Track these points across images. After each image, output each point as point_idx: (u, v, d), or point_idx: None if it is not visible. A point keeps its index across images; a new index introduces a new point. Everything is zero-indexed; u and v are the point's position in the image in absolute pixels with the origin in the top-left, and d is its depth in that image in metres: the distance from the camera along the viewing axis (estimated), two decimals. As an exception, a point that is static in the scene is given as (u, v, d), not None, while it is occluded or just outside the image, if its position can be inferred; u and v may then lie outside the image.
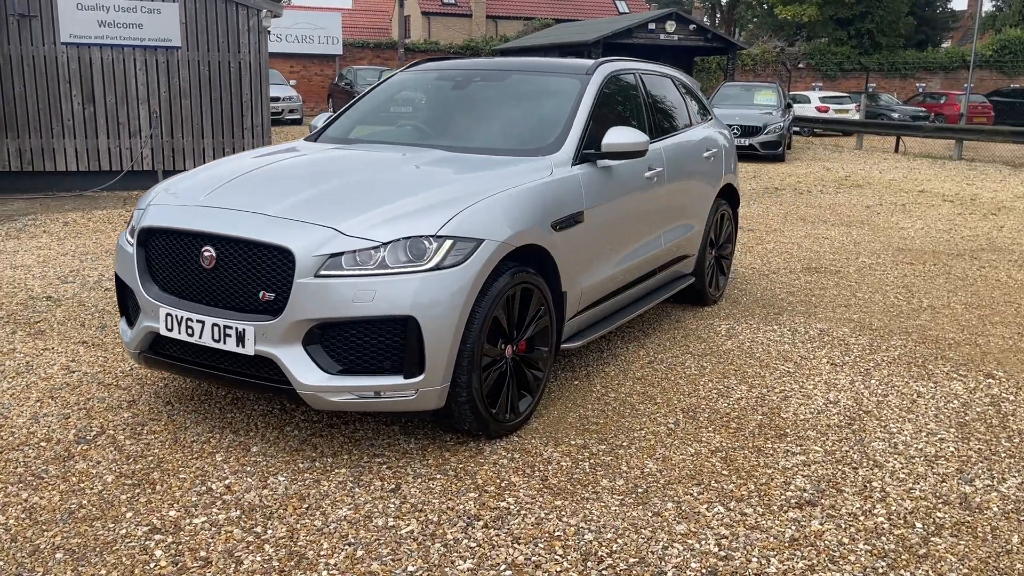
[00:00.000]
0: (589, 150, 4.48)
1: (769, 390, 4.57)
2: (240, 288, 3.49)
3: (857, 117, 24.06)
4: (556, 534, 3.05)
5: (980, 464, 3.73)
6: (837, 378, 4.78)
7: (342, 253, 3.37)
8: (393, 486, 3.38)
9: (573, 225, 4.21)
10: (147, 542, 2.93)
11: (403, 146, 4.59)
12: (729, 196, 6.45)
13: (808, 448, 3.85)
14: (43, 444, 3.70)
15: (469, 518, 3.14)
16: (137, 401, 4.20)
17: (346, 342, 3.41)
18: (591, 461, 3.65)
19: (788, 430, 4.04)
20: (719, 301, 6.41)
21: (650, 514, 3.22)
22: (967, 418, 4.25)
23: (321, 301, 3.34)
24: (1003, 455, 3.83)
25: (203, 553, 2.87)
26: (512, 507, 3.23)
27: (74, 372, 4.59)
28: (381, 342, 3.40)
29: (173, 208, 3.80)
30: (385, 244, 3.39)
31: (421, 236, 3.43)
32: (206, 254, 3.55)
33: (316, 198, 3.68)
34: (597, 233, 4.45)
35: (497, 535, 3.03)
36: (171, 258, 3.69)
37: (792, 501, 3.35)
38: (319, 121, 5.28)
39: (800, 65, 36.14)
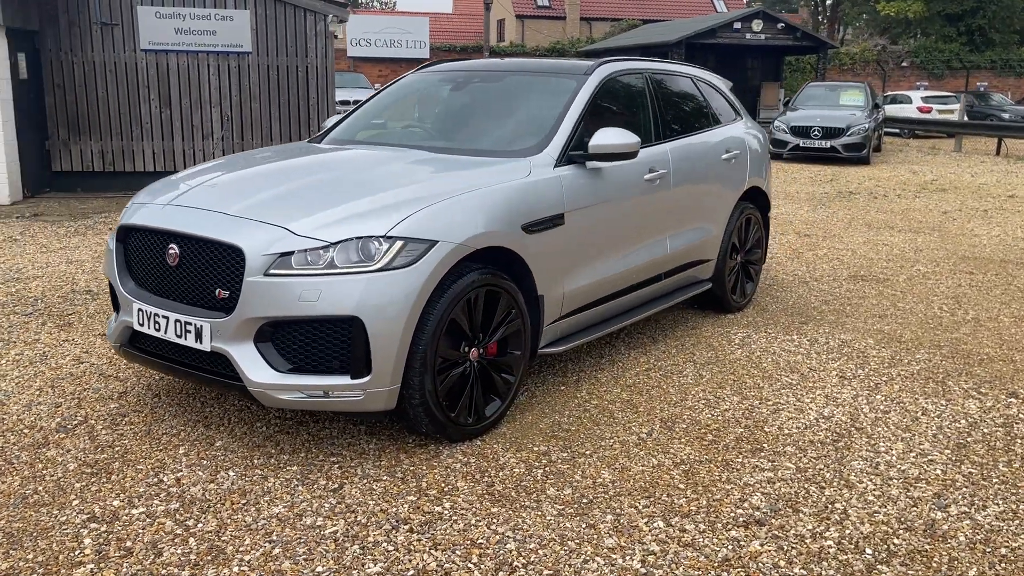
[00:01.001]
0: (578, 151, 4.39)
1: (762, 402, 4.38)
2: (200, 285, 3.57)
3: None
4: (479, 541, 3.00)
5: (964, 489, 3.47)
6: (840, 392, 4.54)
7: (292, 252, 3.40)
8: (336, 485, 3.39)
9: (551, 228, 4.13)
10: (81, 530, 3.04)
11: (393, 147, 4.61)
12: (757, 199, 6.22)
13: (780, 464, 3.67)
14: (26, 431, 3.87)
15: (397, 521, 3.12)
16: (128, 393, 4.36)
17: (296, 341, 3.45)
18: (546, 469, 3.58)
19: (766, 444, 3.86)
20: (745, 308, 6.18)
21: (584, 526, 3.13)
22: (969, 439, 3.97)
23: (269, 300, 3.38)
24: (994, 481, 3.55)
25: (128, 543, 2.95)
26: (446, 512, 3.20)
27: (83, 363, 4.80)
28: (329, 342, 3.42)
29: (149, 207, 3.93)
30: (334, 244, 3.41)
31: (371, 236, 3.43)
32: (171, 252, 3.65)
33: (277, 197, 3.74)
34: (582, 236, 4.36)
35: (418, 540, 3.00)
36: (143, 255, 3.82)
37: (740, 519, 3.19)
38: (329, 122, 5.36)
39: (903, 64, 34.59)
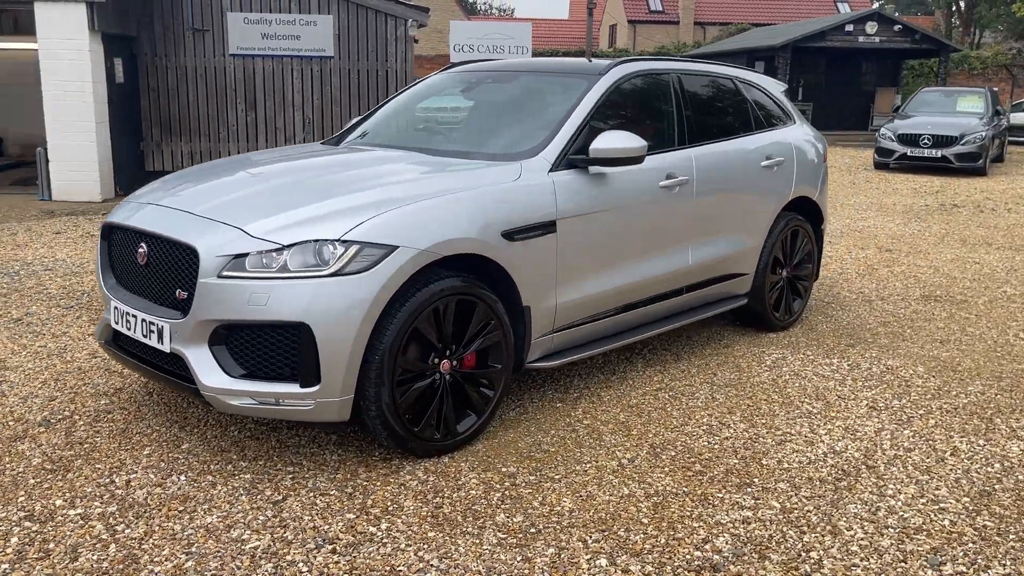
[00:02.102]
0: (580, 155, 4.15)
1: (770, 431, 4.01)
2: (164, 285, 3.54)
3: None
4: (398, 569, 2.81)
5: (970, 545, 3.04)
6: (864, 425, 4.11)
7: (246, 254, 3.31)
8: (281, 497, 3.28)
9: (539, 235, 3.91)
10: (14, 527, 3.02)
11: (392, 149, 4.49)
12: (806, 210, 5.78)
13: (764, 503, 3.32)
14: (11, 423, 3.94)
15: (324, 540, 2.97)
16: (123, 389, 4.39)
17: (249, 346, 3.35)
18: (505, 493, 3.36)
19: (756, 479, 3.51)
20: (790, 327, 5.75)
21: (519, 559, 2.89)
22: (997, 487, 3.50)
23: (221, 302, 3.30)
24: (1011, 537, 3.10)
25: (51, 546, 2.91)
26: (379, 534, 3.03)
27: (95, 358, 4.88)
28: (280, 348, 3.31)
29: (132, 204, 3.93)
30: (288, 247, 3.30)
31: (325, 240, 3.30)
32: (140, 251, 3.63)
33: (246, 198, 3.67)
34: (580, 245, 4.11)
35: (336, 563, 2.84)
36: (121, 253, 3.82)
37: (694, 564, 2.88)
38: (351, 123, 5.30)
39: (1040, 69, 32.20)
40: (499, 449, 3.76)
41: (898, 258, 8.29)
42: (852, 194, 13.19)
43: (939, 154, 15.59)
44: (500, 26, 29.39)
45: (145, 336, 3.57)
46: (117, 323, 3.75)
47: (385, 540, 2.98)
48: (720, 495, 3.37)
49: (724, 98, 5.33)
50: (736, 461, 3.69)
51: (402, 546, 2.94)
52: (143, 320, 3.57)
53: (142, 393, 4.34)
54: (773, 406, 4.33)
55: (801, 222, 5.67)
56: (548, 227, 3.95)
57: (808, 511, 3.26)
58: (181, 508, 3.18)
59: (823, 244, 6.10)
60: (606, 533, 3.07)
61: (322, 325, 3.23)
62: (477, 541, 2.99)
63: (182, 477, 3.43)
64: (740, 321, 5.76)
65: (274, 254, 3.29)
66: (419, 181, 3.79)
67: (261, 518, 3.11)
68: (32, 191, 11.44)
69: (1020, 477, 3.59)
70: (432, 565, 2.84)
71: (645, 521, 3.17)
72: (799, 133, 5.76)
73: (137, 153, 12.37)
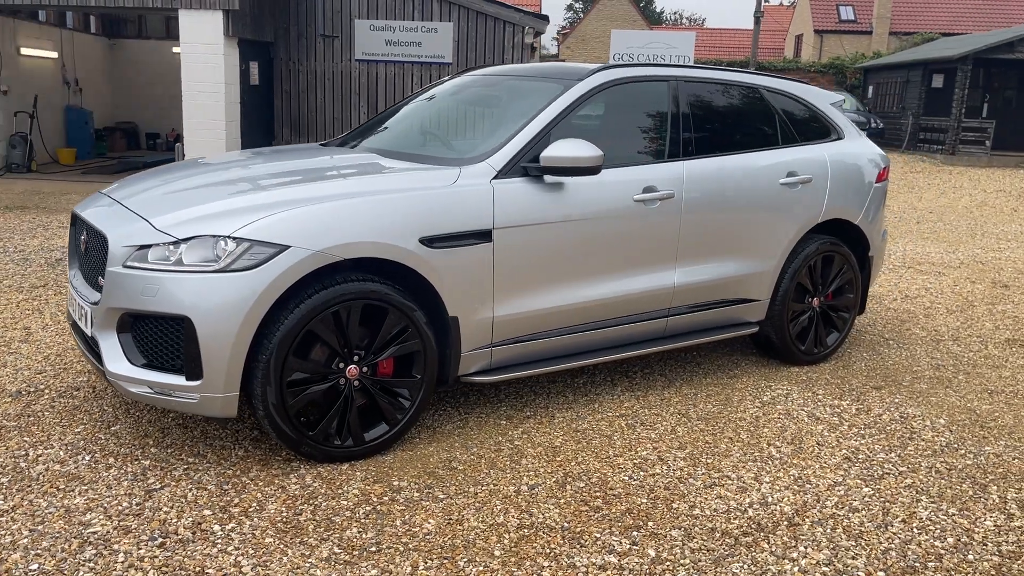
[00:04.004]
0: (534, 163, 3.96)
1: (708, 472, 3.65)
2: (94, 272, 3.70)
3: None
4: (207, 571, 2.78)
5: (844, 627, 2.61)
6: (823, 477, 3.65)
7: (149, 246, 3.40)
8: (159, 487, 3.34)
9: (471, 244, 3.76)
10: (-90, 487, 3.25)
11: (361, 152, 4.48)
12: (844, 233, 5.24)
13: (641, 549, 3.01)
14: (-13, 392, 4.26)
15: (162, 534, 2.99)
16: (105, 370, 4.63)
17: (149, 336, 3.44)
18: (376, 507, 3.25)
19: (652, 523, 3.20)
20: (821, 362, 5.23)
21: None
22: (929, 565, 2.99)
23: (122, 291, 3.41)
24: (902, 625, 2.64)
25: (-74, 506, 3.11)
26: (218, 534, 3.01)
27: (108, 338, 5.19)
28: (172, 340, 3.38)
29: (94, 196, 4.15)
30: (183, 241, 3.35)
31: (217, 236, 3.33)
32: (82, 238, 3.82)
33: (172, 193, 3.78)
34: (525, 257, 3.92)
35: (154, 557, 2.85)
36: (75, 240, 4.04)
37: (510, 605, 2.66)
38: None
39: None
40: (406, 462, 3.65)
41: (1011, 295, 7.35)
42: (1004, 221, 11.87)
43: None
44: (662, 35, 28.85)
45: (80, 319, 3.75)
46: (71, 306, 3.96)
47: (218, 541, 2.96)
48: (598, 535, 3.10)
49: (741, 109, 4.92)
50: (645, 501, 3.38)
51: (228, 549, 2.91)
52: (79, 304, 3.75)
53: (120, 374, 4.55)
54: (733, 446, 3.94)
55: (836, 247, 5.13)
56: (481, 236, 3.79)
57: (684, 564, 2.93)
58: (62, 487, 3.30)
59: (871, 273, 5.48)
60: (444, 561, 2.90)
61: (203, 320, 3.26)
62: (306, 553, 2.91)
63: (87, 457, 3.57)
64: (761, 351, 5.30)
65: (171, 247, 3.36)
66: (342, 182, 3.75)
67: (124, 505, 3.18)
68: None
69: (969, 557, 3.05)
70: (242, 572, 2.78)
71: (496, 554, 2.96)
72: (842, 149, 5.22)
73: (268, 151, 13.13)
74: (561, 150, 3.87)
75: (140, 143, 18.30)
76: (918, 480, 3.65)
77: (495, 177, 3.89)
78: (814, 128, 5.20)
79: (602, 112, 4.41)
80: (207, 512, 3.15)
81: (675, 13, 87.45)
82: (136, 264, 3.39)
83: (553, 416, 4.23)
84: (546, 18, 12.62)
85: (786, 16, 54.90)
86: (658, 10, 75.68)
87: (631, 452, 3.83)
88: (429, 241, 3.64)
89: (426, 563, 2.88)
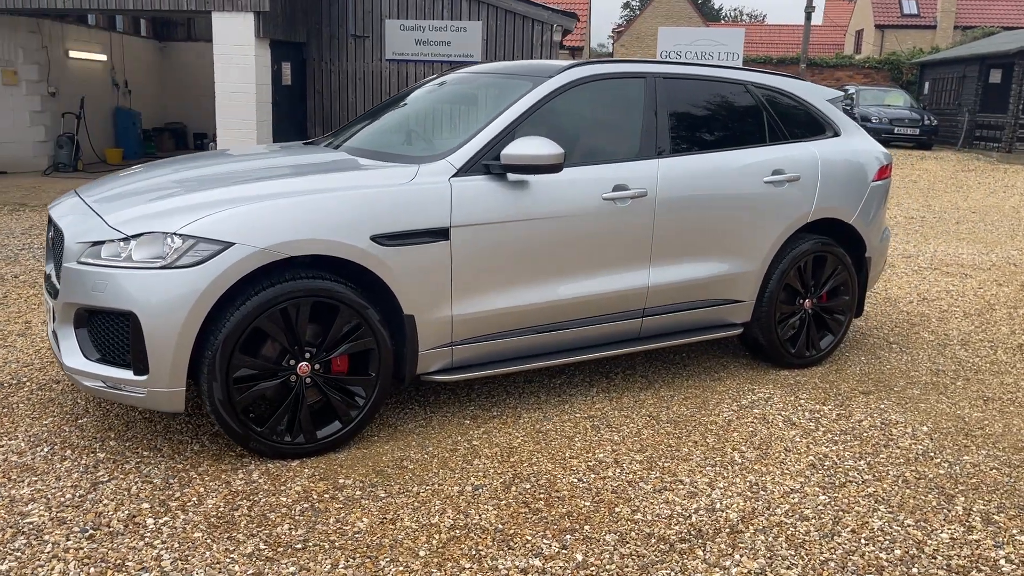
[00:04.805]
0: (496, 161, 3.93)
1: (661, 476, 3.57)
2: (59, 268, 3.78)
3: None
4: (127, 563, 2.82)
5: (757, 640, 2.52)
6: (780, 484, 3.54)
7: (103, 242, 3.46)
8: (106, 479, 3.40)
9: (427, 242, 3.74)
10: None
11: (330, 151, 4.50)
12: (839, 234, 5.08)
13: (569, 553, 2.96)
14: (-28, 383, 4.39)
15: (94, 527, 3.03)
16: (90, 364, 4.74)
17: (102, 331, 3.51)
18: (314, 505, 3.25)
19: (589, 527, 3.14)
20: (814, 365, 5.08)
21: (249, 573, 2.79)
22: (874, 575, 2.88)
23: (75, 286, 3.48)
24: (821, 639, 2.54)
25: None
26: (149, 527, 3.05)
27: (103, 333, 5.31)
28: (121, 335, 3.43)
29: (67, 193, 4.24)
30: (132, 237, 3.40)
31: (163, 232, 3.37)
32: (50, 235, 3.91)
33: (132, 190, 3.84)
34: (485, 255, 3.89)
35: (79, 548, 2.90)
36: (47, 237, 4.14)
37: (418, 606, 2.63)
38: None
39: None
40: (358, 460, 3.65)
41: (1036, 299, 7.05)
42: (1050, 222, 11.40)
43: None
44: (710, 32, 28.45)
45: (47, 314, 3.84)
46: (46, 301, 4.06)
47: (147, 534, 3.00)
48: (529, 538, 3.05)
49: (725, 106, 4.80)
50: (588, 504, 3.32)
51: (155, 543, 2.94)
52: (46, 299, 3.84)
53: (103, 368, 4.65)
54: (696, 450, 3.85)
55: (830, 247, 4.98)
56: (438, 234, 3.77)
57: (607, 571, 2.86)
58: (14, 477, 3.38)
59: (869, 275, 5.30)
60: (366, 560, 2.89)
61: (148, 315, 3.30)
62: (231, 549, 2.92)
63: (47, 449, 3.65)
64: (752, 354, 5.17)
65: (121, 243, 3.41)
66: (297, 180, 3.75)
67: (67, 497, 3.24)
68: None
69: (913, 570, 2.92)
70: (160, 565, 2.81)
71: (421, 555, 2.94)
72: (837, 146, 5.06)
73: (301, 151, 13.31)
74: (521, 148, 3.83)
75: (188, 143, 18.72)
76: (881, 489, 3.51)
77: (455, 175, 3.86)
78: (806, 125, 5.05)
79: (574, 109, 4.34)
80: (145, 505, 3.19)
81: (735, 10, 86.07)
82: (89, 260, 3.45)
83: (520, 416, 4.19)
84: (575, 16, 12.53)
85: (847, 11, 53.61)
86: (716, 7, 74.62)
87: (588, 454, 3.77)
88: (382, 239, 3.63)
89: (347, 562, 2.87)
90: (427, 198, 3.76)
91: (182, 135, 18.76)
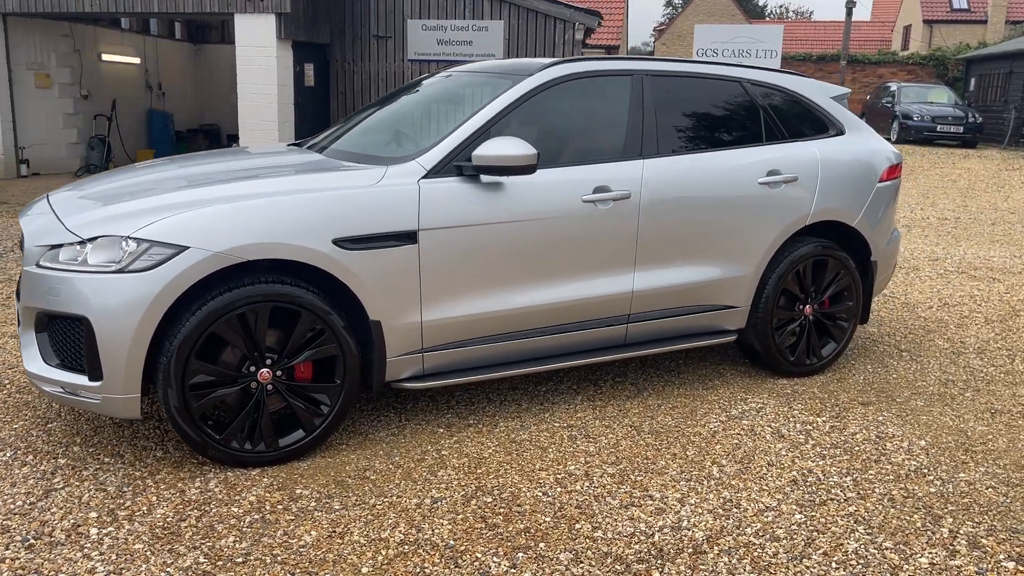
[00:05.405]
0: (468, 163, 3.81)
1: (633, 489, 3.42)
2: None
3: None
4: (48, 574, 2.75)
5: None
6: (756, 500, 3.36)
7: (60, 246, 3.42)
8: (61, 486, 3.35)
9: (393, 246, 3.64)
10: None
11: (304, 151, 4.43)
12: (841, 236, 4.86)
13: (513, 573, 2.82)
14: (-47, 386, 4.40)
15: (36, 535, 2.98)
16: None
17: (60, 336, 3.46)
18: (265, 516, 3.16)
19: (543, 544, 3.00)
20: (815, 373, 4.87)
21: (183, 586, 2.71)
22: (834, 605, 2.70)
23: (34, 290, 3.44)
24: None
25: None
26: (90, 537, 2.99)
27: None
28: (77, 340, 3.38)
29: (38, 196, 4.22)
30: (88, 241, 3.35)
31: (118, 236, 3.32)
32: (20, 239, 3.89)
33: (95, 193, 3.80)
34: (457, 259, 3.77)
35: (16, 558, 2.84)
36: (19, 240, 4.12)
37: (347, 627, 2.53)
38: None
39: None
40: (320, 469, 3.56)
41: (1065, 304, 6.72)
42: (1092, 223, 10.93)
43: None
44: (748, 29, 27.98)
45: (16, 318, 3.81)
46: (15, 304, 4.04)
47: (87, 545, 2.93)
48: (480, 556, 2.93)
49: (717, 104, 4.61)
50: (548, 520, 3.18)
51: (92, 554, 2.88)
52: (15, 302, 3.82)
53: (86, 371, 4.64)
54: (674, 463, 3.69)
55: (831, 250, 4.76)
56: (405, 238, 3.66)
57: (553, 592, 2.73)
58: (-28, 481, 3.35)
59: (876, 279, 5.07)
60: (284, 567, 2.78)
61: (101, 320, 3.25)
62: (168, 562, 2.84)
63: (9, 453, 3.62)
64: (752, 361, 4.98)
65: (78, 247, 3.37)
66: (258, 182, 3.67)
67: (17, 504, 3.20)
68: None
69: (883, 599, 2.74)
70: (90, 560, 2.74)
71: (364, 571, 2.83)
72: (840, 146, 4.84)
73: (325, 152, 13.33)
74: (492, 149, 3.71)
75: (222, 144, 18.90)
76: (863, 508, 3.32)
77: (424, 176, 3.75)
78: (807, 123, 4.84)
79: (555, 108, 4.20)
80: (92, 515, 3.13)
81: (780, 7, 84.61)
82: (48, 264, 3.41)
83: (496, 425, 4.06)
84: (597, 14, 12.34)
85: (895, 7, 52.45)
86: (761, 4, 73.48)
87: (559, 466, 3.63)
88: (345, 242, 3.54)
89: (261, 574, 2.78)
90: (394, 200, 3.66)
91: (216, 136, 18.96)
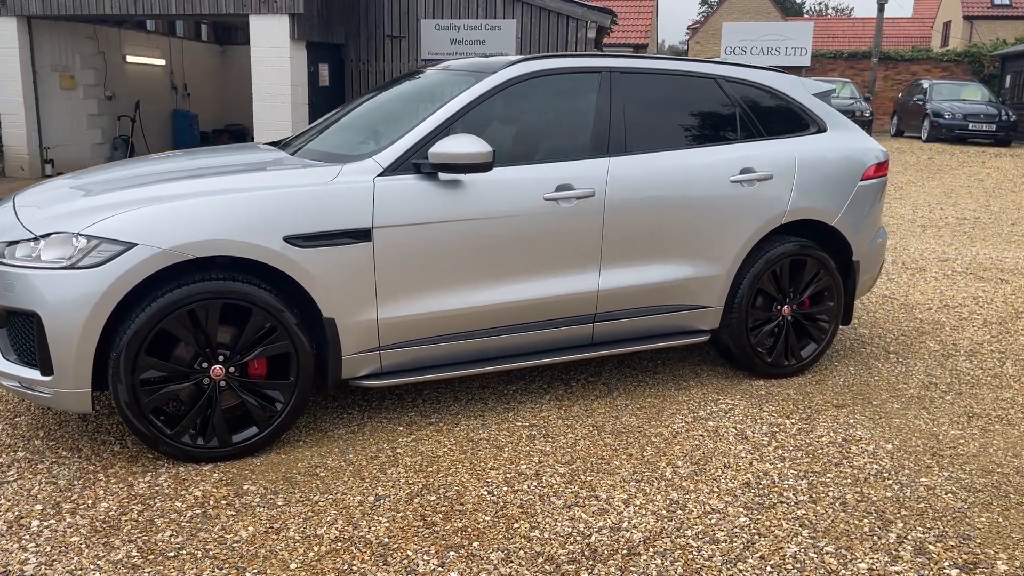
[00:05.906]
0: (425, 161, 3.81)
1: (580, 489, 3.38)
2: (-7, 269, 3.82)
3: None
4: (-7, 565, 2.80)
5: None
6: (704, 502, 3.31)
7: (17, 242, 3.48)
8: (13, 479, 3.41)
9: (346, 243, 3.65)
10: None
11: (274, 149, 4.46)
12: (822, 236, 4.77)
13: (440, 572, 2.81)
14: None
15: (-19, 524, 3.04)
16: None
17: (18, 331, 3.52)
18: (207, 511, 3.19)
19: (477, 543, 2.99)
20: (795, 375, 4.80)
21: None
22: (760, 610, 2.64)
23: (-9, 286, 3.50)
24: None
25: None
26: (30, 529, 3.03)
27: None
28: (31, 335, 3.44)
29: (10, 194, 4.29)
30: (41, 237, 3.40)
31: (68, 233, 3.36)
32: (-5, 234, 3.96)
33: (56, 191, 3.85)
34: (413, 257, 3.77)
35: (-44, 547, 2.89)
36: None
37: (261, 623, 2.53)
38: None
39: None
40: (271, 466, 3.58)
41: (1071, 306, 6.53)
42: (1118, 224, 10.61)
43: None
44: (778, 26, 27.65)
45: (-13, 313, 3.88)
46: (-7, 300, 4.11)
47: (24, 537, 2.98)
48: (410, 554, 2.92)
49: (690, 102, 4.55)
50: (488, 519, 3.16)
51: (28, 546, 2.92)
52: (-13, 299, 3.89)
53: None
54: (627, 464, 3.65)
55: (810, 250, 4.68)
56: (358, 235, 3.66)
57: (476, 592, 2.71)
58: (-72, 474, 3.42)
59: (858, 280, 4.96)
60: (232, 571, 2.80)
61: (50, 316, 3.30)
62: (100, 555, 2.88)
63: (-26, 447, 3.69)
64: (728, 362, 4.91)
65: (32, 244, 3.42)
66: (211, 180, 3.68)
67: (-30, 494, 3.26)
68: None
69: (812, 605, 2.68)
70: (23, 570, 2.78)
71: (292, 567, 2.84)
72: (820, 143, 4.75)
73: (340, 151, 13.42)
74: (447, 146, 3.70)
75: (246, 144, 19.12)
76: (812, 512, 3.25)
77: (380, 174, 3.75)
78: (786, 121, 4.76)
79: (519, 106, 4.19)
80: (38, 507, 3.18)
81: (820, 3, 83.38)
82: (5, 260, 3.46)
83: (457, 423, 4.05)
84: (610, 12, 12.27)
85: (935, 3, 51.46)
86: (799, 1, 72.49)
87: (511, 465, 3.61)
88: (297, 240, 3.55)
89: (212, 572, 2.79)
90: (347, 198, 3.66)
91: (241, 136, 19.18)
